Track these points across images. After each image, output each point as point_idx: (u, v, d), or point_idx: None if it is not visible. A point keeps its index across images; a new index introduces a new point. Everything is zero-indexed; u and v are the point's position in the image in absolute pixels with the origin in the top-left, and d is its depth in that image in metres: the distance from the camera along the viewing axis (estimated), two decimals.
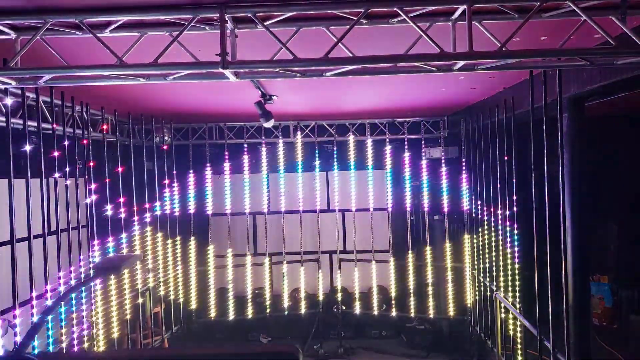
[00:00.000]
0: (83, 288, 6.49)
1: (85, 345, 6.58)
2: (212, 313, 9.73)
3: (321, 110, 8.83)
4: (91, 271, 6.43)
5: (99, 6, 3.42)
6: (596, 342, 6.19)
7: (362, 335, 9.76)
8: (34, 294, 5.41)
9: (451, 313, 9.37)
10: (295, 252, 9.91)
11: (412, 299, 9.52)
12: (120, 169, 7.53)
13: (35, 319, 5.24)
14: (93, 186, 6.83)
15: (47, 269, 5.70)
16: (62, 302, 5.65)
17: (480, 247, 8.45)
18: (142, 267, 8.20)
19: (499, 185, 7.18)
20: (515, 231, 6.77)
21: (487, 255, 8.09)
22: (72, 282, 6.16)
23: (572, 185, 5.18)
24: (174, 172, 9.19)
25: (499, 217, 7.33)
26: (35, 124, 5.67)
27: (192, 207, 9.64)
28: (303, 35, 3.79)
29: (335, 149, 9.95)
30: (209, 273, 9.81)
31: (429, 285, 9.51)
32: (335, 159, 9.96)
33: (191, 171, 9.62)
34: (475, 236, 8.76)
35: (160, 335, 8.56)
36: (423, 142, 9.65)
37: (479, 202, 8.32)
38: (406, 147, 9.67)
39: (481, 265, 8.46)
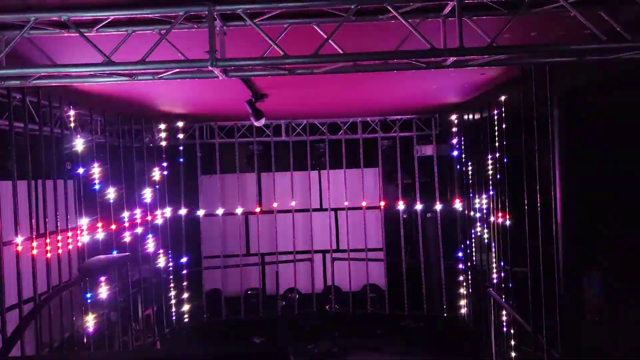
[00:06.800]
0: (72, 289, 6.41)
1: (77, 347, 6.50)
2: (205, 314, 9.67)
3: (312, 108, 8.80)
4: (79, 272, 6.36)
5: (85, 3, 3.36)
6: (588, 337, 6.22)
7: (356, 334, 9.75)
8: (22, 298, 5.34)
9: (445, 310, 9.38)
10: (288, 251, 9.88)
11: (405, 297, 9.52)
12: (110, 170, 7.46)
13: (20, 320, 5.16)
14: (83, 188, 6.75)
15: (35, 272, 5.63)
16: (48, 304, 5.58)
17: (473, 244, 8.47)
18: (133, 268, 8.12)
19: (491, 182, 7.20)
20: (508, 227, 6.79)
21: (479, 252, 8.11)
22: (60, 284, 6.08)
23: (564, 181, 5.19)
24: (165, 172, 9.11)
25: (491, 213, 7.35)
26: (21, 124, 5.59)
27: (183, 207, 9.56)
28: (293, 32, 3.76)
29: (327, 147, 9.93)
30: (201, 274, 9.74)
31: (423, 283, 9.51)
32: (327, 158, 9.94)
33: (182, 171, 9.54)
34: (467, 233, 8.78)
35: (152, 337, 8.49)
36: (415, 139, 9.65)
37: (471, 199, 8.34)
38: (398, 145, 9.66)
39: (474, 262, 8.48)
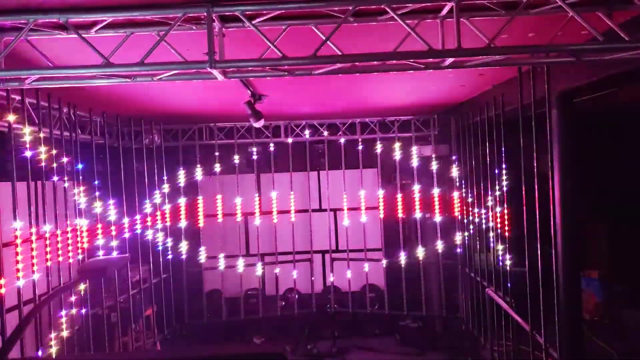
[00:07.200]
0: (72, 290, 6.42)
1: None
2: (205, 315, 9.68)
3: (311, 109, 8.81)
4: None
5: (83, 5, 3.37)
6: (587, 336, 6.23)
7: (355, 334, 9.76)
8: (22, 299, 5.34)
9: (444, 310, 9.39)
10: (287, 252, 9.88)
11: (404, 297, 9.53)
12: (109, 171, 7.46)
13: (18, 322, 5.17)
14: (82, 189, 6.76)
15: (35, 273, 5.63)
16: (47, 305, 5.59)
17: (472, 244, 8.48)
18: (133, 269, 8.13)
19: (489, 182, 7.21)
20: (506, 227, 6.80)
21: (478, 252, 8.12)
22: (60, 285, 6.09)
23: (562, 181, 5.20)
24: (164, 173, 9.12)
25: (490, 213, 7.36)
26: (21, 126, 5.59)
27: (182, 209, 9.57)
28: (291, 33, 3.77)
29: (326, 148, 9.93)
30: (201, 274, 9.76)
31: (422, 283, 9.52)
32: (326, 158, 9.95)
33: (181, 173, 9.54)
34: (466, 233, 8.79)
35: (153, 338, 8.50)
36: (414, 140, 9.66)
37: (470, 199, 8.35)
38: (397, 145, 9.67)
39: (472, 262, 8.49)
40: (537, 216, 5.50)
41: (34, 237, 5.79)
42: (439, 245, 9.41)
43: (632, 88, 5.28)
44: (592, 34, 3.54)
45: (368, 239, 9.82)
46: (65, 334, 6.21)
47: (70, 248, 6.45)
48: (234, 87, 6.04)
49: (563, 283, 5.20)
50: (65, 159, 6.49)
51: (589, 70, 4.56)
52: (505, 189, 6.67)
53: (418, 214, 9.60)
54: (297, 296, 9.88)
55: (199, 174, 9.72)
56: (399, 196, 9.70)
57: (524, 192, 5.82)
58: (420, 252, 9.55)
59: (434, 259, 9.50)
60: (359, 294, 9.92)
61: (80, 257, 6.67)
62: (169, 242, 9.18)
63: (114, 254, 7.50)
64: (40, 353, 5.61)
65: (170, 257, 9.16)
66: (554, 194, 5.22)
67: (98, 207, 7.22)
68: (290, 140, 9.80)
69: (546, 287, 5.42)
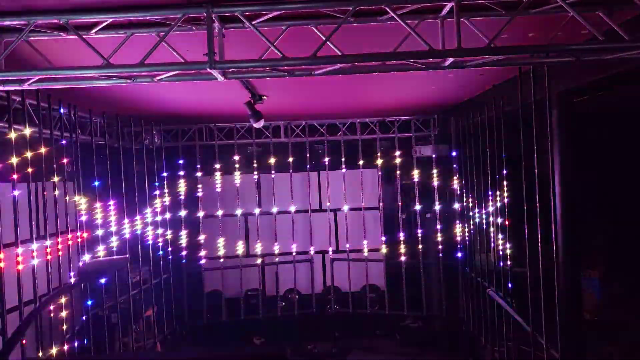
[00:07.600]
0: (72, 291, 6.41)
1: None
2: (205, 315, 9.67)
3: (311, 109, 8.81)
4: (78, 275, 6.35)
5: (84, 6, 3.37)
6: (587, 336, 6.23)
7: (355, 334, 9.75)
8: (22, 300, 5.34)
9: (444, 310, 9.39)
10: (287, 252, 9.88)
11: (405, 297, 9.53)
12: (109, 172, 7.46)
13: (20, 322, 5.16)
14: (82, 189, 6.76)
15: (35, 274, 5.63)
16: (47, 306, 5.58)
17: (472, 244, 8.48)
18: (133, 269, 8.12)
19: (489, 182, 7.21)
20: (507, 227, 6.80)
21: (478, 252, 8.12)
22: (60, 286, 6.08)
23: (562, 181, 5.21)
24: (164, 174, 9.12)
25: (490, 213, 7.36)
26: (21, 127, 5.59)
27: (182, 209, 9.56)
28: (291, 34, 3.77)
29: (326, 148, 9.93)
30: (201, 275, 9.75)
31: (422, 283, 9.52)
32: (326, 159, 9.95)
33: (181, 173, 9.54)
34: (466, 233, 8.78)
35: (153, 338, 8.49)
36: (414, 140, 9.66)
37: (470, 199, 8.35)
38: (397, 145, 9.67)
39: (473, 262, 8.49)
40: (538, 216, 5.50)
41: (34, 238, 5.78)
42: (439, 245, 9.40)
43: (633, 88, 5.28)
44: (592, 34, 3.54)
45: (368, 239, 9.82)
46: (65, 334, 6.21)
47: (70, 249, 6.44)
48: (234, 88, 6.04)
49: (563, 283, 5.21)
50: (65, 160, 6.49)
51: (589, 70, 4.56)
52: (505, 188, 6.67)
53: (418, 214, 9.59)
54: (297, 296, 9.88)
55: (198, 174, 9.70)
56: (399, 196, 9.69)
57: (524, 192, 5.82)
58: (420, 250, 9.55)
59: (434, 260, 9.49)
60: (359, 294, 9.91)
61: (80, 257, 6.67)
62: (169, 240, 9.17)
63: (114, 254, 7.50)
64: (40, 354, 5.61)
65: (170, 257, 9.16)
66: (554, 193, 5.22)
67: (98, 207, 7.21)
68: (290, 140, 9.79)
69: (547, 287, 5.42)
